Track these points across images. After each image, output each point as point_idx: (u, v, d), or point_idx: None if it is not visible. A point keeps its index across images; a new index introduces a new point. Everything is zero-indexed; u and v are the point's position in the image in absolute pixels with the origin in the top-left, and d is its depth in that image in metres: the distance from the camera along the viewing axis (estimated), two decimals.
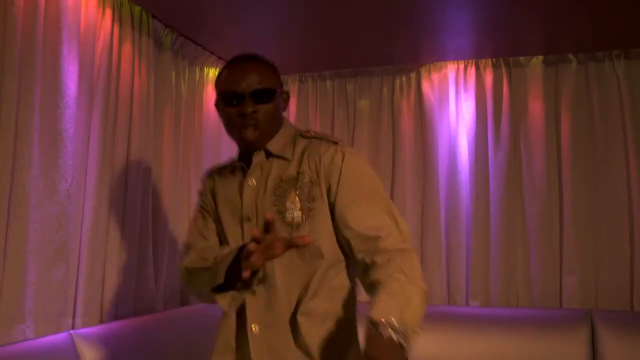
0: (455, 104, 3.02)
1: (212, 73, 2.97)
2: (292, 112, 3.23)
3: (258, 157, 1.42)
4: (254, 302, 1.37)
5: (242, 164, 1.46)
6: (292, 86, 3.25)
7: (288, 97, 1.50)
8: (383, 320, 1.02)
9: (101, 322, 2.11)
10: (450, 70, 3.04)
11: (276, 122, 1.43)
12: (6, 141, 1.68)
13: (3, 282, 1.69)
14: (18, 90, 1.72)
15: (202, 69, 2.85)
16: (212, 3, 2.28)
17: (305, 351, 1.31)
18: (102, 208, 2.10)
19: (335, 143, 1.40)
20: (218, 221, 1.50)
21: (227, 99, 1.39)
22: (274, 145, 1.42)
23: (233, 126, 1.40)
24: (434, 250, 2.94)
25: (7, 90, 1.68)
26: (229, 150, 3.12)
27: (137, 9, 2.32)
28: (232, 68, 1.42)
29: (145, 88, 2.35)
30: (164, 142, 2.50)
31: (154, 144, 2.43)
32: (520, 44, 2.78)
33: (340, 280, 1.36)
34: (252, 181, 1.42)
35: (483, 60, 2.99)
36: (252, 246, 1.22)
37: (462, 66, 3.02)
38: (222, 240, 1.49)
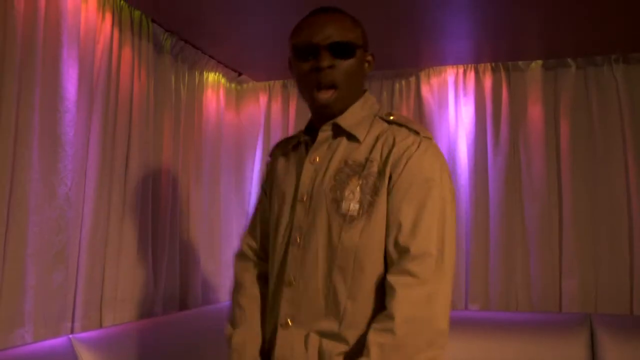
0: (455, 108, 3.02)
1: (212, 77, 2.98)
2: (291, 116, 3.23)
3: (325, 132, 1.27)
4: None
5: (307, 138, 1.32)
6: (292, 90, 3.25)
7: (373, 60, 1.33)
8: None
9: (100, 326, 2.11)
10: (450, 74, 3.04)
11: (357, 86, 1.29)
12: (6, 144, 1.68)
13: (2, 286, 1.69)
14: (18, 94, 1.73)
15: (201, 73, 2.86)
16: (211, 7, 2.28)
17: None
18: (101, 212, 2.10)
19: (417, 133, 1.22)
20: (269, 203, 1.38)
21: (300, 52, 1.24)
22: (347, 119, 1.25)
23: (306, 84, 1.25)
24: None
25: (7, 93, 1.68)
26: (228, 153, 3.14)
27: (137, 13, 2.32)
28: (309, 19, 1.26)
29: (145, 92, 2.36)
30: (163, 146, 2.50)
31: (154, 148, 2.43)
32: (520, 48, 2.79)
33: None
34: (314, 159, 1.26)
35: (482, 65, 3.00)
36: None
37: (461, 70, 3.03)
38: (271, 223, 1.35)
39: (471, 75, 3.01)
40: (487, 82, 2.99)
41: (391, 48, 2.77)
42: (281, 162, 1.39)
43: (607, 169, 2.78)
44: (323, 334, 1.19)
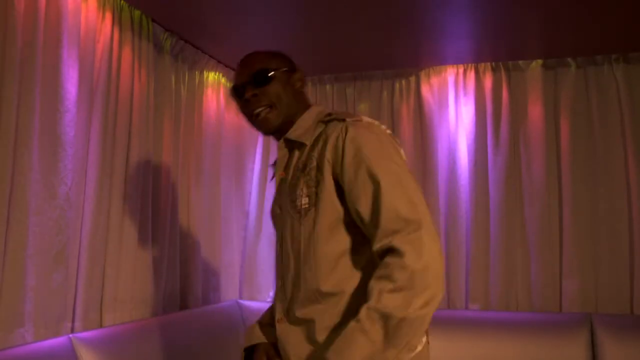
0: (455, 108, 3.02)
1: (212, 77, 2.97)
2: None
3: (282, 149, 1.42)
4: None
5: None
6: None
7: (301, 77, 1.45)
8: None
9: (100, 326, 2.11)
10: (450, 74, 3.04)
11: (292, 102, 1.41)
12: (6, 145, 1.68)
13: (2, 286, 1.69)
14: (18, 94, 1.73)
15: (201, 73, 2.86)
16: (212, 7, 2.28)
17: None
18: (101, 212, 2.10)
19: (343, 120, 1.31)
20: None
21: (235, 96, 1.44)
22: (294, 131, 1.39)
23: (247, 117, 1.42)
24: None
25: (7, 93, 1.68)
26: (228, 153, 3.14)
27: (137, 12, 2.32)
28: (237, 68, 1.46)
29: (145, 92, 2.36)
30: (163, 145, 2.50)
31: (154, 148, 2.43)
32: (520, 47, 2.79)
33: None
34: (278, 176, 1.43)
35: (482, 64, 3.00)
36: None
37: (461, 70, 3.03)
38: None
39: (471, 75, 3.01)
40: (487, 81, 2.99)
41: (391, 48, 2.77)
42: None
43: (607, 169, 2.78)
44: (307, 321, 1.30)
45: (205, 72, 2.89)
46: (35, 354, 1.67)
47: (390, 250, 1.14)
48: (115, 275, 2.17)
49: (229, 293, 3.05)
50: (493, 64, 2.98)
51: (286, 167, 1.42)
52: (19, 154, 1.73)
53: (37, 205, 1.80)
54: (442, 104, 3.04)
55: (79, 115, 1.98)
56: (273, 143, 3.22)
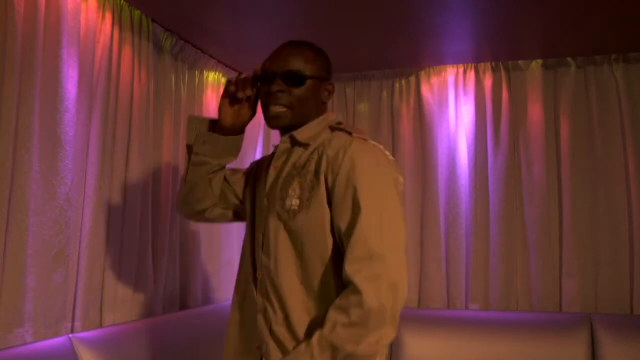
0: (455, 108, 3.02)
1: (212, 77, 2.97)
2: None
3: (285, 144, 1.44)
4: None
5: (275, 147, 1.50)
6: None
7: (332, 89, 1.48)
8: None
9: (100, 326, 2.11)
10: (450, 74, 3.04)
11: (307, 108, 1.41)
12: (6, 144, 1.67)
13: (2, 286, 1.69)
14: (18, 94, 1.72)
15: (201, 73, 2.85)
16: (212, 7, 2.28)
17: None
18: (101, 212, 2.10)
19: (350, 134, 1.36)
20: (242, 198, 1.62)
21: (262, 77, 1.44)
22: (302, 133, 1.41)
23: (264, 103, 1.44)
24: (434, 253, 2.94)
25: (7, 93, 1.68)
26: None
27: (137, 12, 2.32)
28: (276, 49, 1.45)
29: (145, 91, 2.35)
30: (163, 145, 2.50)
31: (154, 147, 2.43)
32: (520, 47, 2.79)
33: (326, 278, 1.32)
34: (274, 167, 1.44)
35: (482, 64, 3.00)
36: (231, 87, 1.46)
37: (461, 70, 3.03)
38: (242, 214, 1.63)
39: (471, 75, 3.01)
40: (487, 81, 2.99)
41: (391, 48, 2.77)
42: (257, 169, 1.60)
43: (607, 169, 2.78)
44: (270, 307, 1.36)
45: (205, 72, 2.89)
46: (35, 354, 1.67)
47: (352, 285, 1.18)
48: (115, 275, 2.17)
49: (229, 293, 3.04)
50: (493, 63, 2.98)
51: (283, 163, 1.43)
52: (19, 154, 1.73)
53: (36, 205, 1.80)
54: (442, 103, 3.04)
55: (78, 115, 1.98)
56: (273, 142, 3.22)
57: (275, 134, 3.23)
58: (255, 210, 1.49)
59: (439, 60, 2.99)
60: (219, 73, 3.01)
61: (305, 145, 1.40)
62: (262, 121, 3.25)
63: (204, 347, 2.31)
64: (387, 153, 1.38)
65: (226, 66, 3.02)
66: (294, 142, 1.42)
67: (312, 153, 1.37)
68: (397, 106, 3.10)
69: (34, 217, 1.79)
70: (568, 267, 2.77)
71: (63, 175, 1.90)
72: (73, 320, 1.99)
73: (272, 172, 1.44)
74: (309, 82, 1.40)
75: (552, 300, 2.79)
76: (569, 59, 2.87)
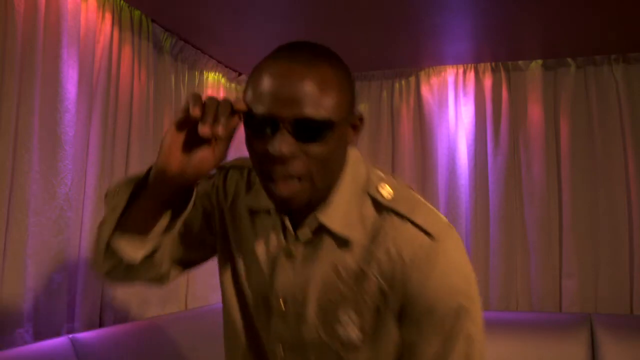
0: (455, 108, 3.02)
1: (212, 77, 2.97)
2: None
3: (305, 232, 0.94)
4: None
5: (281, 216, 0.96)
6: None
7: (361, 123, 0.91)
8: None
9: (100, 326, 2.11)
10: (450, 74, 3.04)
11: (332, 172, 0.89)
12: (6, 144, 1.67)
13: (2, 286, 1.69)
14: (18, 94, 1.72)
15: (201, 73, 2.86)
16: (212, 7, 2.28)
17: None
18: (101, 212, 2.09)
19: (429, 234, 0.87)
20: (227, 254, 1.07)
21: (253, 122, 0.83)
22: (333, 218, 0.91)
23: (259, 169, 0.87)
24: None
25: (7, 93, 1.68)
26: (228, 154, 3.13)
27: (137, 13, 2.32)
28: (274, 68, 0.83)
29: (145, 92, 2.35)
30: None
31: (154, 148, 2.43)
32: (519, 48, 2.79)
33: None
34: (292, 259, 0.95)
35: (482, 65, 3.00)
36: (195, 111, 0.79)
37: (461, 70, 3.03)
38: (226, 298, 1.06)
39: (471, 75, 3.01)
40: (487, 81, 2.99)
41: (391, 48, 2.77)
42: (234, 207, 1.04)
43: (607, 169, 2.78)
44: None
45: (205, 72, 2.89)
46: (35, 355, 1.67)
47: None
48: None
49: None
50: (493, 64, 2.98)
51: (309, 256, 0.94)
52: (19, 154, 1.73)
53: (36, 206, 1.80)
54: (442, 104, 3.04)
55: (78, 115, 1.98)
56: None
57: None
58: (244, 297, 1.03)
59: (439, 61, 2.99)
60: (219, 73, 3.01)
61: (339, 238, 0.91)
62: None
63: (204, 347, 2.31)
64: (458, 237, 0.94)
65: (226, 66, 3.02)
66: (321, 230, 0.93)
67: (367, 259, 0.90)
68: (397, 106, 3.10)
69: (34, 218, 1.79)
70: (568, 267, 2.77)
71: (63, 176, 1.90)
72: (73, 321, 1.99)
73: (286, 262, 0.96)
74: (338, 130, 0.84)
75: (552, 301, 2.79)
76: (569, 59, 2.87)
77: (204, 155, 0.85)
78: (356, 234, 0.90)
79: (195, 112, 0.79)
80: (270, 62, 0.84)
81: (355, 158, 0.95)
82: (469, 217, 2.93)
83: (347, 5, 2.26)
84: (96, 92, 2.10)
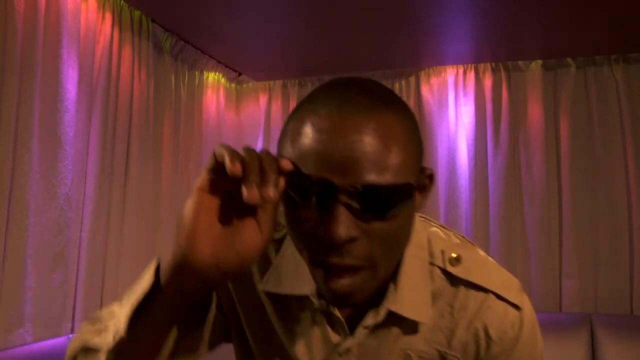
0: (455, 108, 3.02)
1: (212, 77, 2.97)
2: None
3: (371, 319, 0.72)
4: None
5: (322, 303, 0.73)
6: (291, 90, 3.25)
7: (431, 183, 0.70)
8: None
9: None
10: (450, 74, 3.04)
11: (400, 253, 0.71)
12: (6, 144, 1.68)
13: (2, 286, 1.69)
14: (18, 94, 1.73)
15: (201, 73, 2.86)
16: (212, 7, 2.28)
17: None
18: (101, 212, 2.10)
19: (513, 305, 0.74)
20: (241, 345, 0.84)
21: (300, 189, 0.61)
22: (403, 303, 0.72)
23: (308, 255, 0.64)
24: None
25: (7, 93, 1.68)
26: None
27: (137, 13, 2.32)
28: (321, 119, 0.61)
29: (145, 92, 2.35)
30: (163, 145, 2.50)
31: (154, 148, 2.43)
32: (519, 48, 2.79)
33: None
34: (348, 357, 0.75)
35: (482, 65, 3.00)
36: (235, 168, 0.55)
37: (461, 70, 3.03)
38: None
39: (471, 75, 3.01)
40: (487, 82, 2.99)
41: (391, 48, 2.77)
42: (264, 302, 0.78)
43: (606, 169, 2.78)
44: None
45: (205, 73, 2.89)
46: (35, 354, 1.67)
47: None
48: (115, 275, 2.17)
49: None
50: (493, 64, 2.98)
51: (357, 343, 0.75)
52: (19, 154, 1.73)
53: (36, 206, 1.80)
54: (442, 104, 3.04)
55: (78, 115, 1.98)
56: (274, 143, 3.22)
57: (275, 132, 3.23)
58: None
59: (439, 61, 2.99)
60: (219, 73, 3.01)
61: (412, 325, 0.75)
62: (262, 120, 3.28)
63: None
64: None
65: (226, 66, 3.02)
66: (389, 320, 0.74)
67: (441, 336, 0.76)
68: None
69: (34, 218, 1.79)
70: (568, 267, 2.77)
71: (63, 176, 1.90)
72: (73, 321, 1.99)
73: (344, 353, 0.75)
74: (405, 199, 0.62)
75: (552, 301, 2.79)
76: (569, 59, 2.87)
77: (248, 233, 0.60)
78: (428, 315, 0.74)
79: (236, 168, 0.55)
80: (317, 108, 0.62)
81: (418, 230, 0.76)
82: (469, 217, 2.93)
83: (347, 5, 2.26)
84: (96, 92, 2.10)
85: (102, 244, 2.10)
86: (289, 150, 0.62)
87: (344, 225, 0.59)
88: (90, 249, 2.04)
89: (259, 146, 3.28)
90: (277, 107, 3.27)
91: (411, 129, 0.64)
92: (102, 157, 2.11)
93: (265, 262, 0.77)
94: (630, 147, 2.73)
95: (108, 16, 2.16)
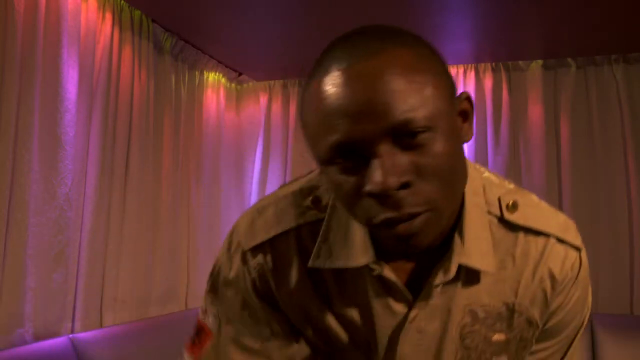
0: None
1: (212, 77, 2.98)
2: (292, 116, 3.23)
3: (441, 276, 0.70)
4: None
5: (378, 264, 0.70)
6: (292, 91, 3.25)
7: (471, 106, 0.65)
8: None
9: (100, 326, 2.11)
10: None
11: (459, 184, 0.65)
12: (6, 144, 1.68)
13: (2, 286, 1.69)
14: (18, 94, 1.73)
15: (202, 73, 2.86)
16: (212, 7, 2.28)
17: None
18: (101, 212, 2.10)
19: (574, 247, 0.76)
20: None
21: (332, 153, 0.59)
22: (472, 254, 0.69)
23: (367, 220, 0.61)
24: None
25: (8, 93, 1.68)
26: (228, 153, 3.14)
27: (137, 13, 2.32)
28: (334, 77, 0.59)
29: (145, 92, 2.36)
30: (163, 145, 2.50)
31: (154, 148, 2.43)
32: (520, 48, 2.79)
33: None
34: (415, 318, 0.72)
35: (482, 65, 3.00)
36: None
37: (461, 70, 3.03)
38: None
39: (471, 75, 3.01)
40: (487, 81, 2.99)
41: None
42: (328, 278, 0.74)
43: (606, 169, 2.77)
44: None
45: (205, 72, 2.89)
46: (35, 354, 1.67)
47: None
48: (115, 275, 2.17)
49: None
50: (493, 64, 2.98)
51: (424, 308, 0.72)
52: (19, 154, 1.73)
53: (37, 206, 1.80)
54: None
55: (79, 115, 1.98)
56: (274, 143, 3.21)
57: (275, 132, 3.23)
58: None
59: None
60: (219, 73, 3.01)
61: (474, 277, 0.72)
62: (263, 120, 3.28)
63: None
64: None
65: (226, 66, 3.02)
66: (459, 271, 0.71)
67: (505, 286, 0.73)
68: None
69: (34, 218, 1.79)
70: None
71: (63, 176, 1.90)
72: (73, 321, 1.99)
73: (413, 331, 0.73)
74: (442, 130, 0.58)
75: None
76: (569, 59, 2.87)
77: None
78: (494, 265, 0.71)
79: None
80: (328, 68, 0.60)
81: (472, 173, 0.72)
82: None
83: (346, 5, 2.26)
84: (96, 92, 2.10)
85: (102, 244, 2.11)
86: (313, 118, 0.60)
87: (391, 173, 0.55)
88: (90, 249, 2.04)
89: (259, 145, 3.28)
90: (277, 107, 3.27)
91: (430, 56, 0.61)
92: (102, 157, 2.11)
93: (303, 248, 0.74)
94: (630, 147, 2.73)
95: (108, 16, 2.16)
